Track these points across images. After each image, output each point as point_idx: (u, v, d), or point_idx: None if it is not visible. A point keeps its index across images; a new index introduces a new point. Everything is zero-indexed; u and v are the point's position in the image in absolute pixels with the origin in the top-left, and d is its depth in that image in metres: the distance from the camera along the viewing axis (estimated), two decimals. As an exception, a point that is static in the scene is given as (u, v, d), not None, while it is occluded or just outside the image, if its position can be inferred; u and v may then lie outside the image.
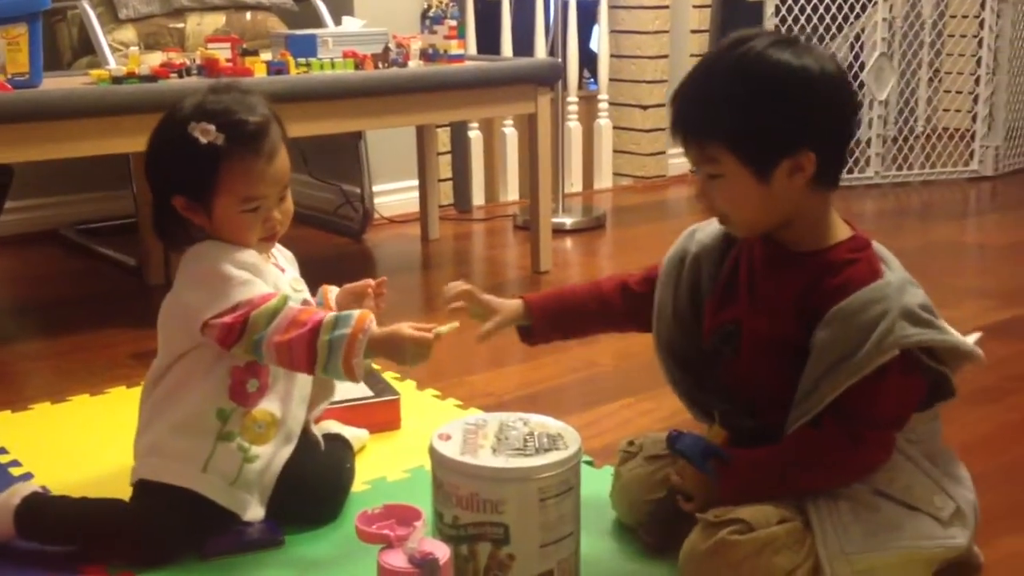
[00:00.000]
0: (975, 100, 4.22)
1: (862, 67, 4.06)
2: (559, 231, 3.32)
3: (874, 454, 1.28)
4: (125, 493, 1.46)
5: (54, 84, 2.28)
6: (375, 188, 3.34)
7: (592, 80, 4.35)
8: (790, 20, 3.91)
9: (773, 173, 1.25)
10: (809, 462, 1.28)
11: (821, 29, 3.94)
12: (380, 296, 1.58)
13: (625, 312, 1.50)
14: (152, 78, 2.28)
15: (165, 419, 1.45)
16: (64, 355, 2.30)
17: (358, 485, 1.61)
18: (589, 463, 1.67)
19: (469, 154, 3.73)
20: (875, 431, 1.26)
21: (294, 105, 2.22)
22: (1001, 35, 4.10)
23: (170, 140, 1.44)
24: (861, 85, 4.05)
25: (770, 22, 3.87)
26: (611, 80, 4.10)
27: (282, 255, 1.58)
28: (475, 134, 3.75)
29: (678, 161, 4.23)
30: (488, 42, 3.76)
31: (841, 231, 1.32)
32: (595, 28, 4.20)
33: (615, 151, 4.21)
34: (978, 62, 4.16)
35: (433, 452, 1.30)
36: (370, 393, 1.85)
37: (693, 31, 4.17)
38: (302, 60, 2.49)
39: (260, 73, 2.39)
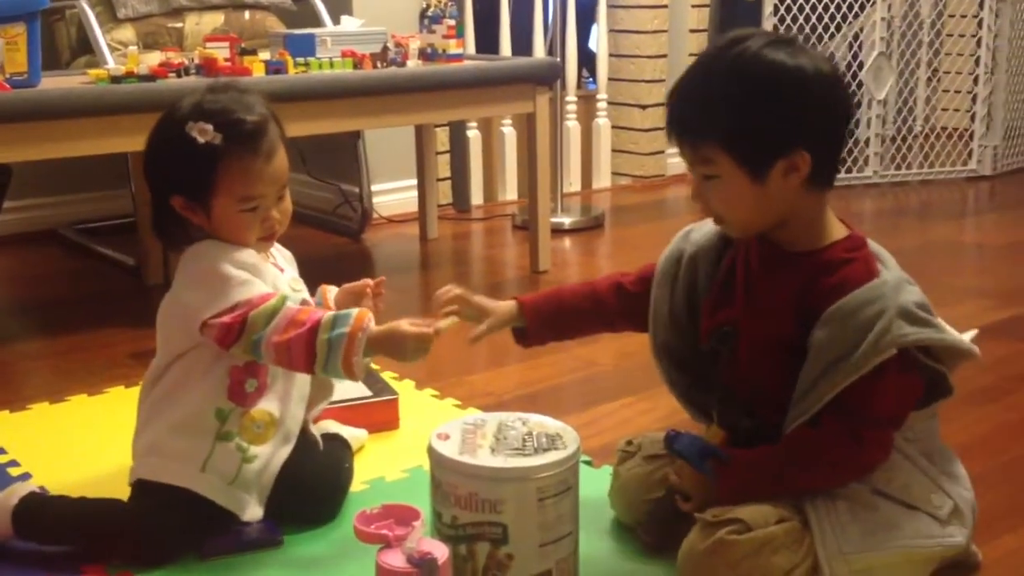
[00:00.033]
0: (974, 99, 4.22)
1: (861, 66, 4.07)
2: (558, 230, 3.32)
3: (872, 453, 1.28)
4: (123, 493, 1.46)
5: (52, 83, 2.27)
6: (374, 188, 3.34)
7: (591, 79, 4.36)
8: (788, 19, 3.91)
9: (768, 174, 1.25)
10: (807, 462, 1.28)
11: (820, 28, 3.95)
12: (379, 296, 1.58)
13: (620, 312, 1.50)
14: (150, 77, 2.28)
15: (164, 419, 1.45)
16: (63, 355, 2.30)
17: (356, 485, 1.61)
18: (588, 463, 1.67)
19: (468, 153, 3.73)
20: (873, 430, 1.26)
21: (292, 104, 2.22)
22: (1000, 34, 4.10)
23: (168, 140, 1.44)
24: (860, 84, 4.05)
25: (769, 21, 3.87)
26: (610, 79, 4.10)
27: (281, 255, 1.58)
28: (474, 133, 3.75)
29: (677, 160, 4.22)
30: (487, 41, 3.76)
31: (837, 231, 1.32)
32: (594, 27, 4.20)
33: (614, 150, 4.21)
34: (976, 61, 4.16)
35: (432, 452, 1.30)
36: (369, 393, 1.85)
37: (692, 30, 4.17)
38: (300, 59, 2.49)
39: (258, 72, 2.39)
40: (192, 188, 1.43)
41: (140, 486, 1.45)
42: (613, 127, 4.18)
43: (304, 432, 1.54)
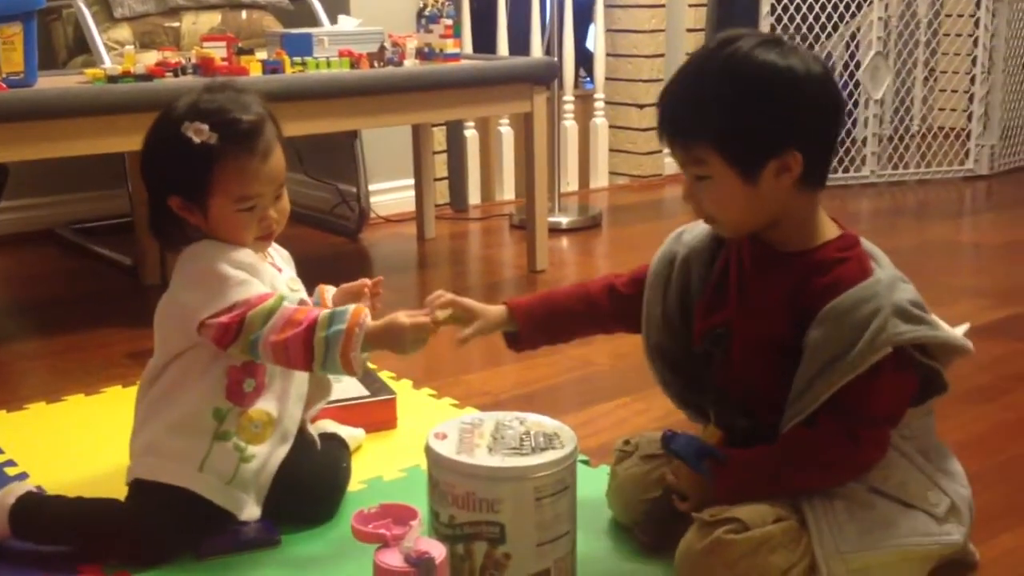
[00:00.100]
0: (971, 99, 4.22)
1: (858, 66, 4.07)
2: (555, 230, 3.31)
3: (869, 453, 1.28)
4: (121, 493, 1.46)
5: (49, 83, 2.27)
6: (371, 187, 3.34)
7: (588, 79, 4.36)
8: (786, 19, 3.91)
9: (760, 174, 1.25)
10: (804, 462, 1.28)
11: (817, 28, 3.95)
12: (376, 296, 1.58)
13: (612, 314, 1.50)
14: (147, 77, 2.28)
15: (161, 418, 1.45)
16: (60, 355, 2.30)
17: (354, 484, 1.61)
18: (585, 462, 1.67)
19: (465, 153, 3.73)
20: (869, 429, 1.27)
21: (290, 104, 2.22)
22: (997, 34, 4.10)
23: (164, 140, 1.43)
24: (857, 84, 4.06)
25: (766, 21, 3.87)
26: (607, 79, 4.10)
27: (279, 254, 1.58)
28: (471, 133, 3.75)
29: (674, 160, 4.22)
30: (484, 41, 3.77)
31: (829, 230, 1.32)
32: (591, 27, 4.20)
33: (611, 150, 4.21)
34: (973, 61, 4.16)
35: (429, 451, 1.30)
36: (366, 392, 1.85)
37: (689, 30, 4.17)
38: (298, 59, 2.49)
39: (256, 72, 2.39)
40: (189, 188, 1.43)
41: (137, 486, 1.45)
42: (610, 127, 4.18)
43: (302, 432, 1.54)
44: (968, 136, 4.21)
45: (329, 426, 1.66)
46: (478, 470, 1.25)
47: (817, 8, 3.95)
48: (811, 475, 1.29)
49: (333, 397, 1.66)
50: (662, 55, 4.13)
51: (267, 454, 1.47)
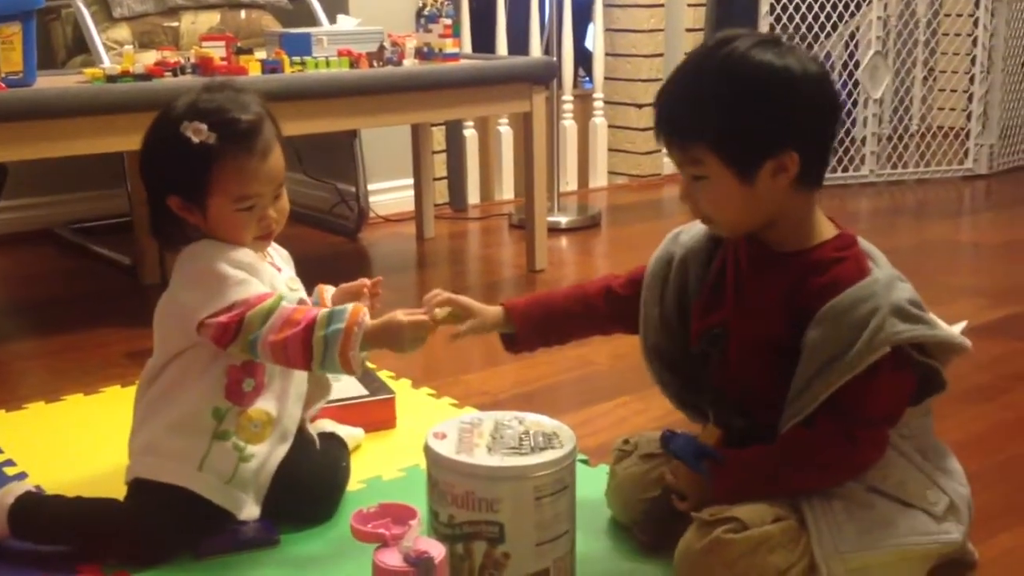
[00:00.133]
0: (970, 98, 4.22)
1: (857, 65, 4.07)
2: (554, 230, 3.31)
3: (867, 453, 1.28)
4: (120, 492, 1.46)
5: (48, 83, 2.27)
6: (370, 187, 3.34)
7: (587, 79, 4.36)
8: (784, 19, 3.91)
9: (757, 174, 1.25)
10: (802, 462, 1.28)
11: (816, 27, 3.95)
12: (376, 296, 1.58)
13: (610, 315, 1.50)
14: (146, 77, 2.28)
15: (160, 418, 1.45)
16: (58, 354, 2.30)
17: (353, 484, 1.61)
18: (584, 462, 1.67)
19: (464, 153, 3.73)
20: (867, 430, 1.26)
21: (289, 104, 2.22)
22: (996, 33, 4.10)
23: (163, 140, 1.43)
24: (856, 83, 4.06)
25: (765, 20, 3.87)
26: (606, 79, 4.10)
27: (278, 254, 1.58)
28: (470, 133, 3.75)
29: (673, 160, 4.22)
30: (483, 41, 3.76)
31: (826, 230, 1.32)
32: (590, 26, 4.20)
33: (610, 150, 4.21)
34: (973, 60, 4.16)
35: (428, 451, 1.30)
36: (365, 392, 1.85)
37: (688, 29, 4.17)
38: (297, 59, 2.49)
39: (255, 72, 2.38)
40: (188, 188, 1.43)
41: (136, 485, 1.45)
42: (609, 126, 4.18)
43: (301, 431, 1.54)
44: (967, 136, 4.21)
45: (328, 425, 1.66)
46: (477, 470, 1.25)
47: (816, 8, 3.95)
48: (809, 475, 1.29)
49: (332, 396, 1.66)
50: (661, 55, 4.13)
51: (266, 454, 1.47)
